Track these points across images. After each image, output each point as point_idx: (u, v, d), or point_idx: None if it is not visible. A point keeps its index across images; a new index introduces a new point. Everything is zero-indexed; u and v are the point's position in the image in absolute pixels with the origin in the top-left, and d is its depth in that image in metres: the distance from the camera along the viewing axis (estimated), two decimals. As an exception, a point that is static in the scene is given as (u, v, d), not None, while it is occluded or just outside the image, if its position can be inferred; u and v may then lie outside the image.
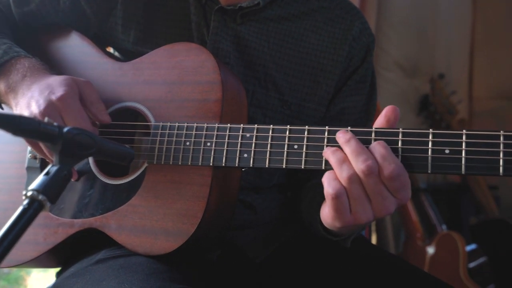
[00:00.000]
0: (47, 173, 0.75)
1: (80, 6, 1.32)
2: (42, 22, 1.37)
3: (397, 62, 3.19)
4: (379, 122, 0.97)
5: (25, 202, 0.72)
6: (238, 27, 1.30)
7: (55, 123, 0.77)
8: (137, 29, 1.31)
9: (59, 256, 1.24)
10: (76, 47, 1.33)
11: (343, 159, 0.93)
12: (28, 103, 1.11)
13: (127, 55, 1.34)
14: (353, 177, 0.91)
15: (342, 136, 0.96)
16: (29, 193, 0.73)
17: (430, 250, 2.66)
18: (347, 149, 0.93)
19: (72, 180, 1.21)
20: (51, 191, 0.73)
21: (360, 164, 0.90)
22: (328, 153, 0.96)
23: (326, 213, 0.97)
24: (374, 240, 2.83)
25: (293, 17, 1.34)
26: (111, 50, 1.43)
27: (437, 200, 3.05)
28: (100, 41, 1.35)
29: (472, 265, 2.65)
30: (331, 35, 1.34)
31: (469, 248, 2.74)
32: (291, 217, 1.41)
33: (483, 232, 2.97)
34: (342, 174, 0.92)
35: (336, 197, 0.92)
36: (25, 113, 1.10)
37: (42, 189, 0.72)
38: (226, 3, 1.29)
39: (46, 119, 0.77)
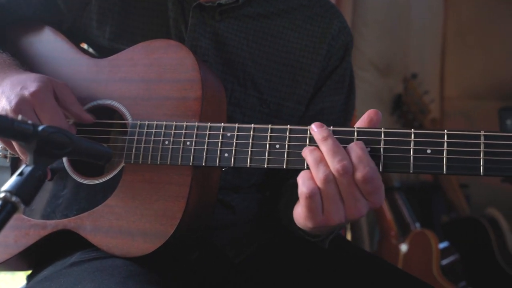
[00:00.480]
0: (20, 174, 0.71)
1: (53, 0, 1.28)
2: (13, 16, 1.32)
3: (372, 61, 3.21)
4: (361, 124, 0.97)
5: (-3, 204, 0.69)
6: (216, 24, 1.28)
7: (29, 121, 0.73)
8: (113, 25, 1.27)
9: (30, 258, 1.20)
10: (48, 42, 1.29)
11: (320, 159, 0.92)
12: None
13: (102, 52, 1.30)
14: (329, 177, 0.90)
15: (319, 132, 0.94)
16: (2, 195, 0.69)
17: (404, 247, 2.69)
18: (324, 148, 0.92)
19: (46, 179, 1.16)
20: (25, 193, 0.70)
21: (336, 163, 0.90)
22: (306, 152, 0.95)
23: (299, 213, 0.97)
24: (349, 238, 2.84)
25: (272, 15, 1.33)
26: (85, 46, 1.39)
27: (410, 199, 3.09)
28: (73, 36, 1.31)
29: (444, 262, 2.69)
30: (310, 33, 1.34)
31: (442, 245, 2.79)
32: (270, 217, 1.40)
33: (455, 230, 3.03)
34: (318, 174, 0.91)
35: (310, 197, 0.91)
36: None
37: (16, 190, 0.69)
38: None
39: (20, 117, 0.73)
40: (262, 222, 1.38)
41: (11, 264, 1.20)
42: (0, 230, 0.67)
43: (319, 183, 0.91)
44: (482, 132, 0.89)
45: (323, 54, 1.33)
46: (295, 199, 1.14)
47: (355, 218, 0.94)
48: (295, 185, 1.21)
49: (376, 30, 3.15)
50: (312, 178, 0.92)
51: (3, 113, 1.05)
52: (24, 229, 1.15)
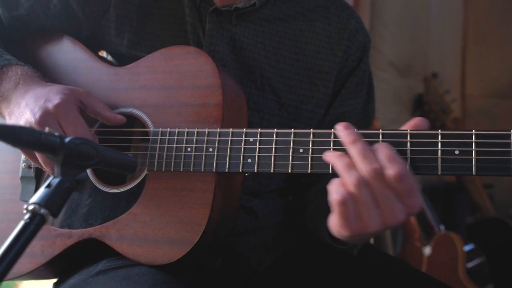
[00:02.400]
0: (48, 185, 0.71)
1: (71, 10, 1.29)
2: (32, 27, 1.33)
3: (391, 61, 3.18)
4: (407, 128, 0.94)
5: (26, 216, 0.69)
6: (233, 28, 1.28)
7: (56, 134, 0.73)
8: (131, 32, 1.28)
9: (56, 267, 1.21)
10: (68, 52, 1.29)
11: (350, 164, 0.89)
12: (22, 111, 1.08)
13: (120, 59, 1.31)
14: (361, 181, 0.87)
15: (347, 135, 0.92)
16: (31, 207, 0.69)
17: (428, 250, 2.65)
18: (353, 151, 0.90)
19: (69, 189, 1.17)
20: (53, 204, 0.70)
21: (367, 166, 0.87)
22: (334, 159, 0.92)
23: (333, 221, 0.93)
24: (371, 241, 2.81)
25: (288, 17, 1.32)
26: (104, 54, 1.39)
27: (433, 200, 3.04)
28: (92, 45, 1.32)
29: (470, 265, 2.64)
30: (327, 34, 1.32)
31: (467, 248, 2.73)
32: (293, 222, 1.39)
33: (480, 231, 2.97)
34: (350, 178, 0.88)
35: (342, 203, 0.88)
36: (20, 122, 1.07)
37: (44, 202, 0.69)
38: (221, 4, 1.27)
39: (46, 129, 0.73)
40: (286, 228, 1.37)
41: (38, 274, 1.21)
42: (30, 241, 0.67)
43: (351, 188, 0.87)
44: (512, 132, 0.87)
45: (340, 56, 1.32)
46: (323, 206, 1.12)
47: (392, 224, 0.89)
48: (323, 193, 1.19)
49: (394, 30, 3.12)
50: (343, 184, 0.89)
51: (28, 125, 1.06)
52: (51, 239, 1.16)
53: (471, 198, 3.18)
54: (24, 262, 1.17)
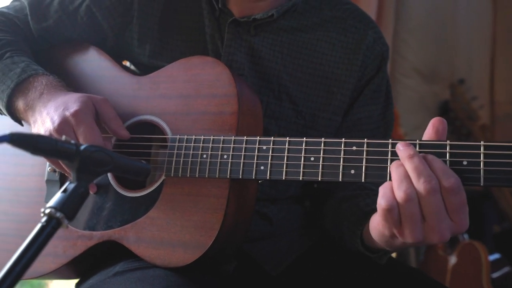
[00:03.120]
0: (64, 190, 0.76)
1: (97, 21, 1.34)
2: (60, 38, 1.39)
3: (416, 68, 3.16)
4: (428, 134, 0.94)
5: (43, 219, 0.73)
6: (252, 39, 1.31)
7: (72, 141, 0.78)
8: (153, 43, 1.32)
9: (78, 268, 1.26)
10: (93, 61, 1.35)
11: (405, 175, 0.89)
12: (44, 120, 1.13)
13: (142, 69, 1.36)
14: (411, 196, 0.87)
15: (405, 150, 0.92)
16: (47, 211, 0.74)
17: (452, 259, 2.61)
18: (409, 166, 0.89)
19: (91, 193, 1.22)
20: (69, 209, 0.74)
21: (422, 183, 0.87)
22: (392, 167, 0.92)
23: (376, 221, 0.95)
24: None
25: (306, 28, 1.34)
26: (127, 63, 1.45)
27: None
28: (116, 54, 1.37)
29: (495, 275, 2.59)
30: (344, 45, 1.34)
31: (493, 257, 2.69)
32: (310, 229, 1.41)
33: (507, 240, 2.91)
34: (399, 191, 0.88)
35: (389, 211, 0.89)
36: (42, 129, 1.13)
37: (60, 206, 0.73)
38: (239, 15, 1.30)
39: (63, 137, 0.78)
40: (301, 234, 1.39)
41: (61, 273, 1.26)
42: (46, 243, 0.71)
43: (399, 199, 0.88)
44: (520, 143, 0.87)
45: (358, 65, 1.34)
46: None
47: (436, 241, 0.89)
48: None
49: (419, 36, 3.10)
50: (393, 191, 0.90)
51: (47, 133, 1.11)
52: (72, 240, 1.21)
53: (498, 206, 3.12)
54: (48, 262, 1.23)
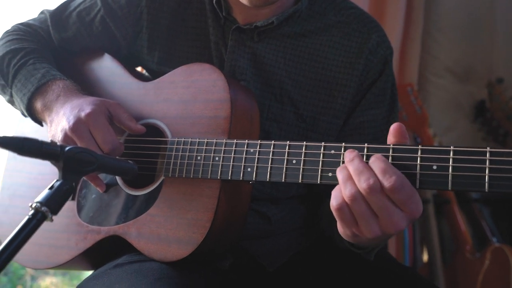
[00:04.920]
0: (51, 187, 0.85)
1: (111, 30, 1.45)
2: (78, 46, 1.51)
3: (448, 67, 3.09)
4: (391, 141, 0.98)
5: (30, 213, 0.83)
6: (255, 45, 1.36)
7: (58, 143, 0.87)
8: (161, 50, 1.41)
9: (90, 259, 1.37)
10: (107, 68, 1.46)
11: (348, 177, 0.95)
12: (60, 120, 1.24)
13: (152, 74, 1.45)
14: (355, 195, 0.92)
15: (347, 155, 0.97)
16: (34, 205, 0.83)
17: (481, 263, 2.56)
18: (351, 168, 0.95)
19: (101, 191, 1.32)
20: (53, 204, 0.83)
21: (362, 182, 0.92)
22: (337, 171, 0.98)
23: (337, 222, 1.00)
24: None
25: (309, 33, 1.38)
26: (143, 71, 1.55)
27: (498, 211, 2.92)
28: (130, 62, 1.48)
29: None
30: (347, 49, 1.37)
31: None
32: (309, 229, 1.45)
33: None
34: (345, 191, 0.94)
35: (339, 209, 0.95)
36: (58, 128, 1.23)
37: (45, 201, 0.83)
38: (243, 22, 1.36)
39: (49, 140, 0.87)
40: (301, 234, 1.43)
41: (75, 264, 1.38)
42: (32, 234, 0.81)
43: (346, 200, 0.94)
44: (488, 149, 0.88)
45: (360, 69, 1.36)
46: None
47: (393, 231, 0.94)
48: None
49: (451, 34, 3.03)
50: (341, 192, 0.95)
51: (63, 132, 1.22)
52: (83, 234, 1.32)
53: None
54: (63, 254, 1.34)
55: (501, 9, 3.28)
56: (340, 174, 0.96)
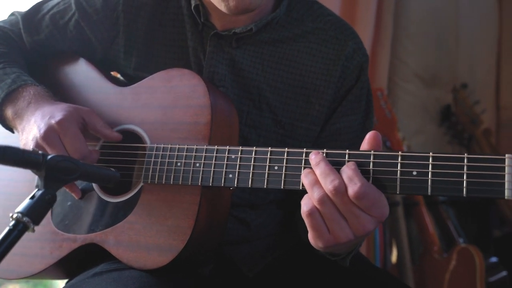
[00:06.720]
0: (32, 197, 0.83)
1: (86, 35, 1.42)
2: (52, 50, 1.47)
3: (416, 72, 3.18)
4: (365, 148, 1.01)
5: (11, 223, 0.81)
6: (233, 51, 1.36)
7: (40, 152, 0.85)
8: (138, 55, 1.39)
9: (66, 268, 1.33)
10: (81, 72, 1.43)
11: (314, 181, 0.97)
12: (31, 128, 1.21)
13: (129, 79, 1.43)
14: (324, 198, 0.95)
15: (313, 158, 1.00)
16: (15, 215, 0.81)
17: (448, 263, 2.63)
18: (317, 171, 0.98)
19: (76, 198, 1.30)
20: (35, 214, 0.81)
21: (328, 184, 0.95)
22: (303, 176, 1.00)
23: (309, 233, 1.01)
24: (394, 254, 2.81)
25: (287, 39, 1.39)
26: (118, 74, 1.52)
27: (463, 213, 3.00)
28: (105, 66, 1.45)
29: (492, 279, 2.60)
30: (325, 55, 1.38)
31: (491, 261, 2.70)
32: (287, 233, 1.46)
33: (506, 245, 2.91)
34: (313, 195, 0.96)
35: (309, 215, 0.97)
36: (29, 136, 1.20)
37: (27, 211, 0.81)
38: (221, 28, 1.36)
39: (31, 149, 0.85)
40: (279, 238, 1.44)
41: (49, 273, 1.34)
42: (13, 245, 0.78)
43: (315, 203, 0.96)
44: (465, 155, 0.91)
45: (337, 76, 1.37)
46: None
47: (363, 233, 0.96)
48: None
49: (419, 41, 3.11)
50: (310, 198, 0.98)
51: (34, 140, 1.19)
52: (58, 242, 1.29)
53: (500, 211, 3.12)
54: (36, 263, 1.31)
55: (465, 19, 3.39)
56: (306, 179, 0.99)
